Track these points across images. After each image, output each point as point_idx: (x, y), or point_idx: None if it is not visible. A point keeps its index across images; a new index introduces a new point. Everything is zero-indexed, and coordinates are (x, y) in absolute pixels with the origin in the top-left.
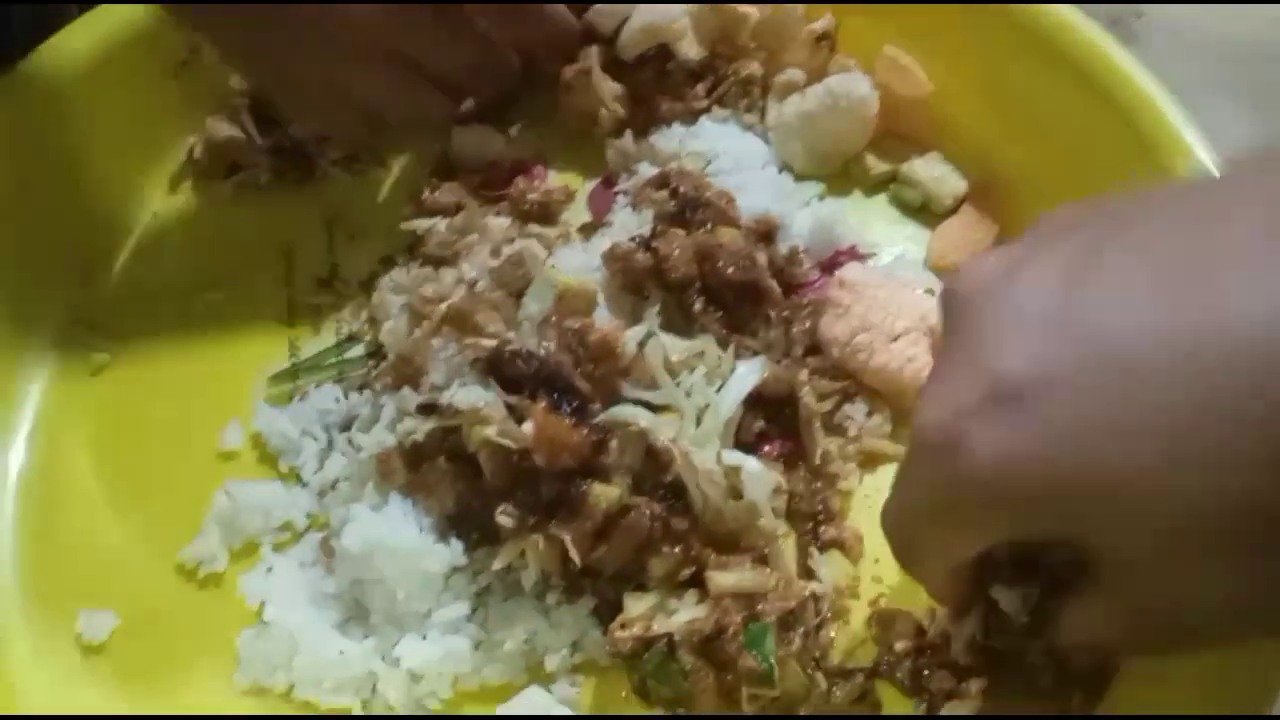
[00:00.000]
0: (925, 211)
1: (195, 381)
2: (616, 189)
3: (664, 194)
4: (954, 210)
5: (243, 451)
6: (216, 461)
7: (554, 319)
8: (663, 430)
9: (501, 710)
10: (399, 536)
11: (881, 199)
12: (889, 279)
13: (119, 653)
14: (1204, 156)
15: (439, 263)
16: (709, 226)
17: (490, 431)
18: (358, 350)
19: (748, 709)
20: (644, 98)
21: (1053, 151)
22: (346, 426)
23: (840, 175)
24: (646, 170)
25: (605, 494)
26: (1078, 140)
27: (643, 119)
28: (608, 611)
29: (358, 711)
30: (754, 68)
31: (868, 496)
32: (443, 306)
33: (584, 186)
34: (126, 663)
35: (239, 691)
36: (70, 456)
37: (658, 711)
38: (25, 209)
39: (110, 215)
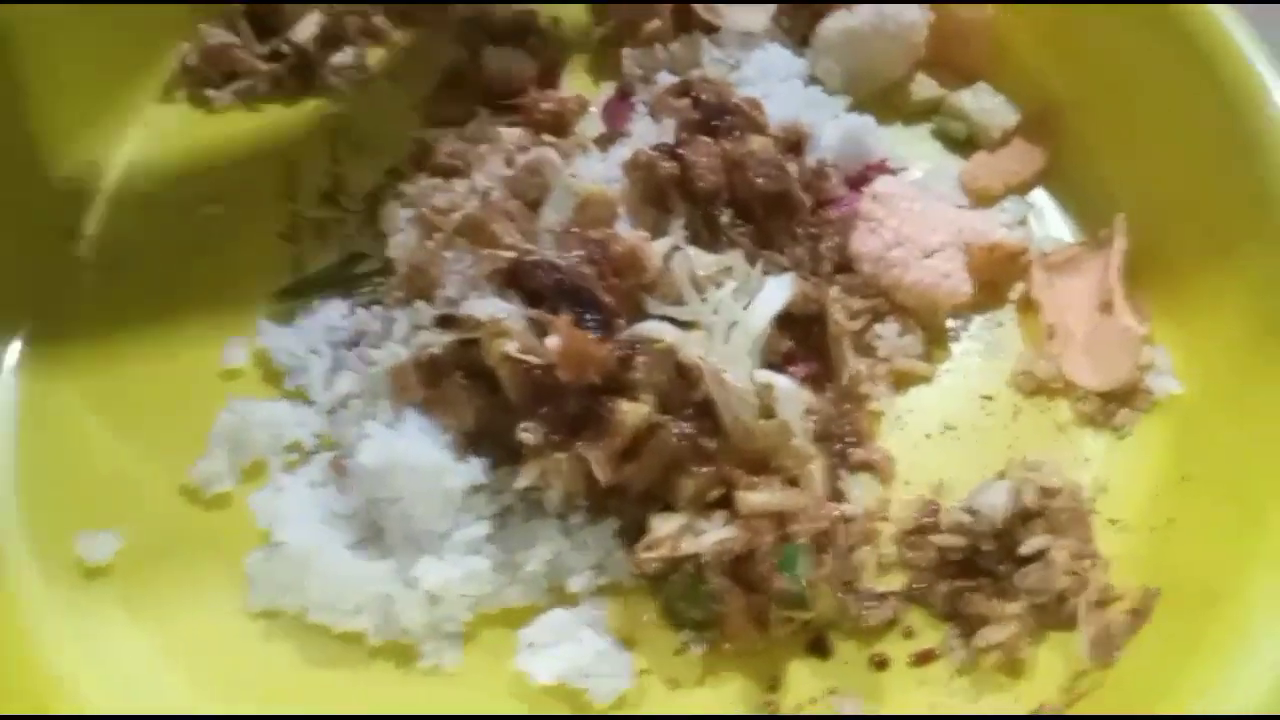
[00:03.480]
0: (969, 146)
1: (194, 298)
2: (634, 99)
3: (686, 102)
4: (1002, 145)
5: (246, 370)
6: (219, 380)
7: (575, 229)
8: (691, 347)
9: (524, 633)
10: (417, 453)
11: (922, 130)
12: (923, 192)
13: (125, 575)
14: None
15: (449, 173)
16: (737, 134)
17: (511, 346)
18: (364, 266)
19: (777, 632)
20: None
21: (1112, 77)
22: (354, 343)
23: (879, 102)
24: (666, 79)
25: (633, 412)
26: (1136, 64)
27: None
28: (633, 533)
29: (372, 635)
30: None
31: (899, 418)
32: (456, 216)
33: (597, 98)
34: (133, 586)
35: (250, 615)
36: (67, 376)
37: (685, 634)
38: (11, 119)
39: (100, 126)
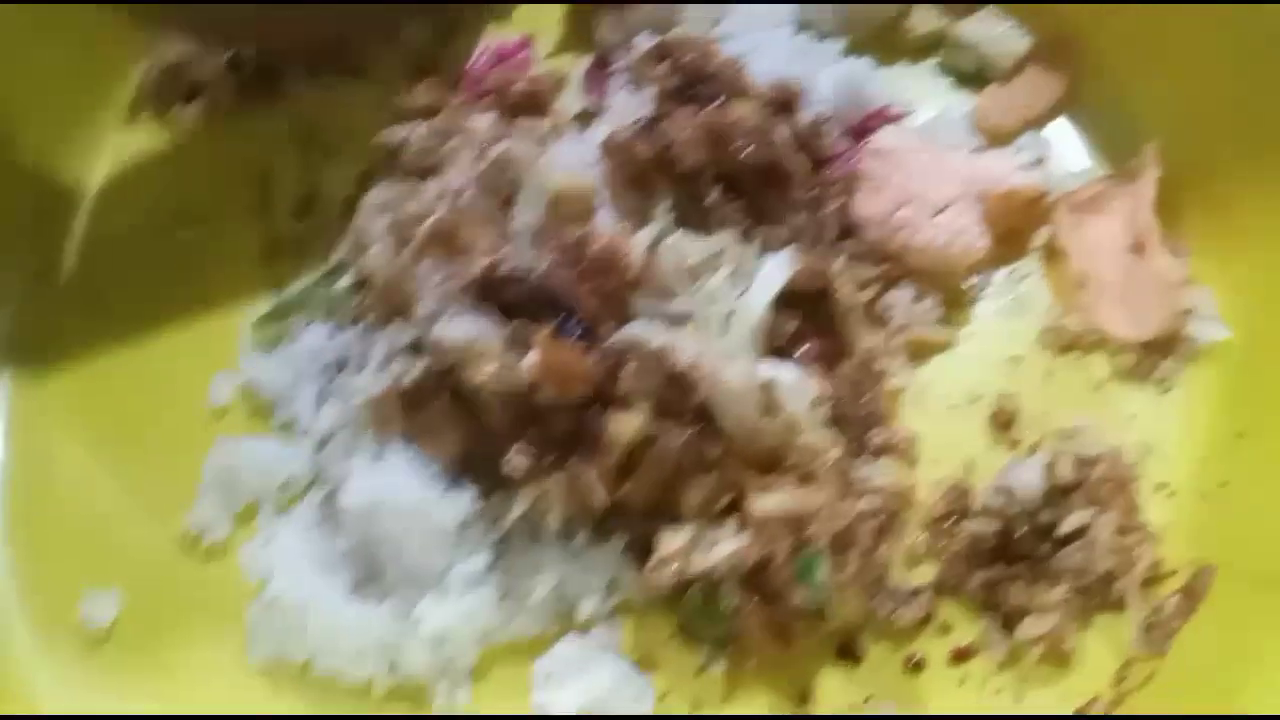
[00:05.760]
0: (980, 80)
1: (175, 334)
2: (612, 67)
3: (665, 67)
4: (1015, 75)
5: (233, 407)
6: (207, 421)
7: (550, 228)
8: (683, 346)
9: (538, 664)
10: (401, 489)
11: (927, 67)
12: (930, 141)
13: (125, 639)
14: None
15: (422, 174)
16: (720, 101)
17: (488, 369)
18: (347, 281)
19: (802, 643)
20: None
21: None
22: (340, 367)
23: (878, 41)
24: (646, 42)
25: (625, 424)
26: None
27: None
28: (642, 548)
29: (378, 683)
30: None
31: (920, 392)
32: (427, 224)
33: (576, 69)
34: (134, 650)
35: (256, 670)
36: (50, 430)
37: (706, 653)
38: None
39: (65, 160)
